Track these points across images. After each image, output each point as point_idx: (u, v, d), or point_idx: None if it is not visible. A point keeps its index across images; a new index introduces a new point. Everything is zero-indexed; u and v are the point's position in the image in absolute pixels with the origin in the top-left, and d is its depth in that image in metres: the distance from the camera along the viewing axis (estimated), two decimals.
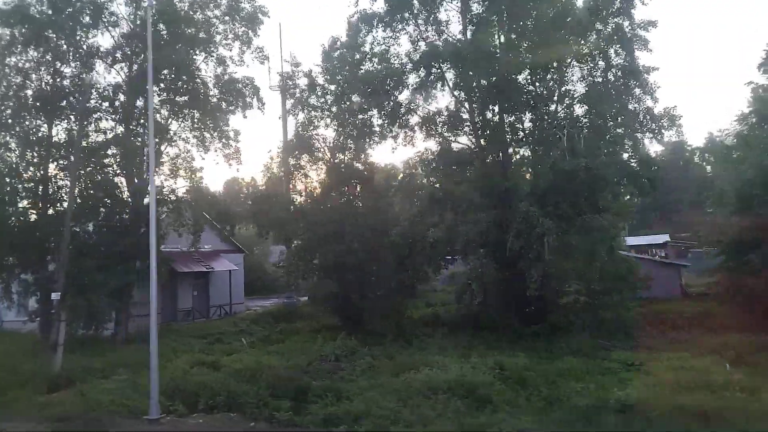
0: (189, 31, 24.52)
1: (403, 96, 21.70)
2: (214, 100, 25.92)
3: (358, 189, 22.68)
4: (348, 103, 25.08)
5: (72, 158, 21.70)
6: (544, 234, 15.31)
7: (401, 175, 23.41)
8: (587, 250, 16.38)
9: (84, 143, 24.46)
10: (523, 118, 19.41)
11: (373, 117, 21.96)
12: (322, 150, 25.29)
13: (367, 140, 22.78)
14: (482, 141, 20.16)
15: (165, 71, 24.18)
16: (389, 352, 16.82)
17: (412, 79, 21.06)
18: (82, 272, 20.74)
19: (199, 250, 29.29)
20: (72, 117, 24.45)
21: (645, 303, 21.45)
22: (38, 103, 23.73)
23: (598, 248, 16.37)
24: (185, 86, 25.32)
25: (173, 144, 25.28)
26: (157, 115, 25.55)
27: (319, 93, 26.03)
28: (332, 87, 25.60)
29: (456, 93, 19.63)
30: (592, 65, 19.27)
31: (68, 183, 24.52)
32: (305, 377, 12.72)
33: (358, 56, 24.57)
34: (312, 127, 26.25)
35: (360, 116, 22.26)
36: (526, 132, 19.47)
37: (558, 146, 17.14)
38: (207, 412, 11.48)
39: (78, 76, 24.62)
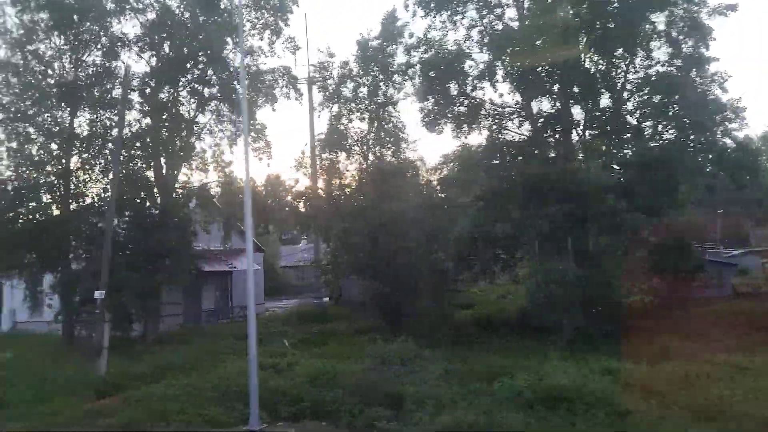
0: (219, 19, 23.40)
1: (455, 85, 20.43)
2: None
3: (404, 183, 21.58)
4: (386, 95, 24.15)
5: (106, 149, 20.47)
6: (632, 229, 14.35)
7: (444, 168, 22.24)
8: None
9: (110, 135, 23.45)
10: (589, 106, 18.29)
11: (427, 106, 20.77)
12: (359, 143, 24.26)
13: (424, 131, 21.50)
14: (546, 131, 19.05)
15: (197, 59, 23.03)
16: (457, 356, 15.80)
17: (467, 66, 19.96)
18: (114, 270, 19.55)
19: (220, 248, 28.21)
20: (97, 107, 23.27)
21: (703, 302, 20.59)
22: (60, 93, 22.52)
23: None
24: (214, 77, 24.23)
25: (201, 138, 24.10)
26: (182, 107, 24.64)
27: (351, 85, 25.04)
28: (368, 78, 24.60)
29: (514, 80, 18.58)
30: (660, 49, 18.16)
31: (91, 176, 23.58)
32: (397, 383, 11.62)
33: (394, 46, 23.67)
34: (347, 120, 25.22)
35: (420, 104, 21.07)
36: (593, 120, 18.38)
37: (633, 135, 16.17)
38: (293, 421, 10.46)
39: (103, 64, 23.48)
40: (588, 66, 17.88)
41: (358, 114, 24.88)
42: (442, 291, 19.91)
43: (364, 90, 25.28)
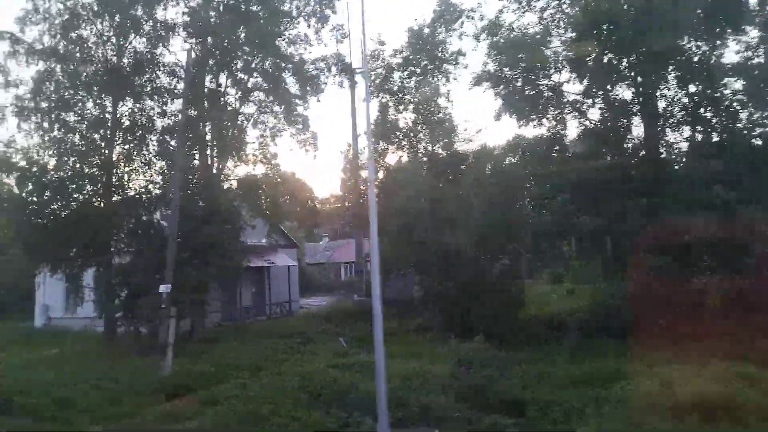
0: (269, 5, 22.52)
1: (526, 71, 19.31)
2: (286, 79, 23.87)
3: (468, 174, 20.59)
4: (436, 84, 23.23)
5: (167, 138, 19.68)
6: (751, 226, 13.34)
7: (509, 157, 21.19)
8: None
9: (154, 125, 22.70)
10: (677, 94, 17.18)
11: (501, 92, 19.73)
12: (411, 134, 23.34)
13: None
14: (627, 119, 17.93)
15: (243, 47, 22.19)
16: (535, 357, 14.90)
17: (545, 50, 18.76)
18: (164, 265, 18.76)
19: (257, 243, 27.38)
20: (141, 96, 22.49)
21: None
22: (103, 81, 21.75)
23: None
24: (259, 66, 23.39)
25: (246, 129, 23.24)
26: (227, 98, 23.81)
27: (402, 74, 24.14)
28: (419, 67, 23.69)
29: (595, 66, 17.45)
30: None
31: (134, 167, 22.81)
32: (497, 386, 10.74)
33: (449, 33, 22.77)
34: (396, 111, 24.33)
35: (489, 91, 20.05)
36: (683, 107, 17.21)
37: (729, 122, 15.11)
38: (402, 427, 9.58)
39: (147, 52, 22.69)
40: (685, 48, 16.50)
41: (411, 104, 23.93)
42: (509, 289, 18.94)
43: (412, 80, 24.37)
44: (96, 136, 22.35)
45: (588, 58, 16.96)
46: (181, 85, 22.77)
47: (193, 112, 22.57)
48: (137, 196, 22.06)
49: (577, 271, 26.19)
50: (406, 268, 21.24)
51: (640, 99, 17.30)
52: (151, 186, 22.31)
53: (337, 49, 26.44)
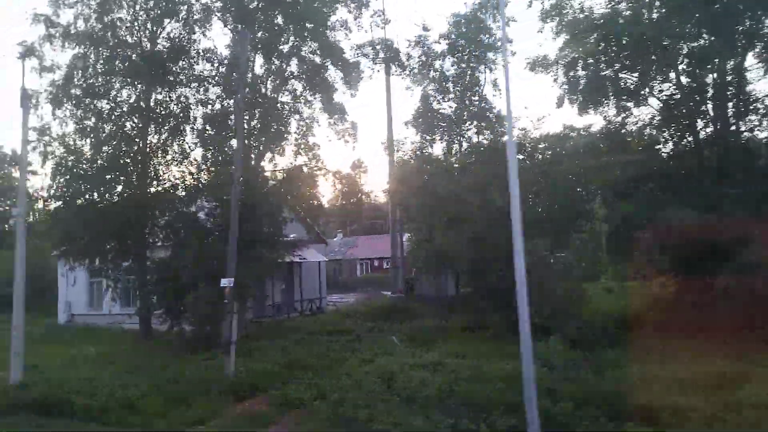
0: None
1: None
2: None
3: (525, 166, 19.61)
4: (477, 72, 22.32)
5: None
6: None
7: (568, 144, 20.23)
8: None
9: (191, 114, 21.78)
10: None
11: (575, 77, 18.75)
12: (456, 124, 22.41)
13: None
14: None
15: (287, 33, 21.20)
16: (616, 357, 13.99)
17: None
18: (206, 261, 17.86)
19: (285, 239, 26.45)
20: (175, 84, 21.55)
21: None
22: (136, 68, 20.83)
23: None
24: (298, 52, 22.42)
25: (288, 119, 22.25)
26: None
27: (446, 62, 23.22)
28: (463, 54, 22.77)
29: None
30: None
31: (168, 158, 21.90)
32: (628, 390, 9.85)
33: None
34: (437, 100, 23.41)
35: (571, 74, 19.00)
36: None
37: None
38: None
39: (182, 37, 21.76)
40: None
41: (453, 93, 23.00)
42: (573, 285, 18.01)
43: (453, 68, 23.45)
44: (129, 124, 21.50)
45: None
46: (216, 72, 22.10)
47: (227, 101, 21.68)
48: (173, 188, 21.15)
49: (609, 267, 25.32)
50: (460, 263, 20.21)
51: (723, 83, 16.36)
52: (188, 177, 21.39)
53: (372, 36, 25.48)
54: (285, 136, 21.02)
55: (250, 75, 22.25)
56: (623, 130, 18.17)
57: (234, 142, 21.09)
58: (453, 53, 22.54)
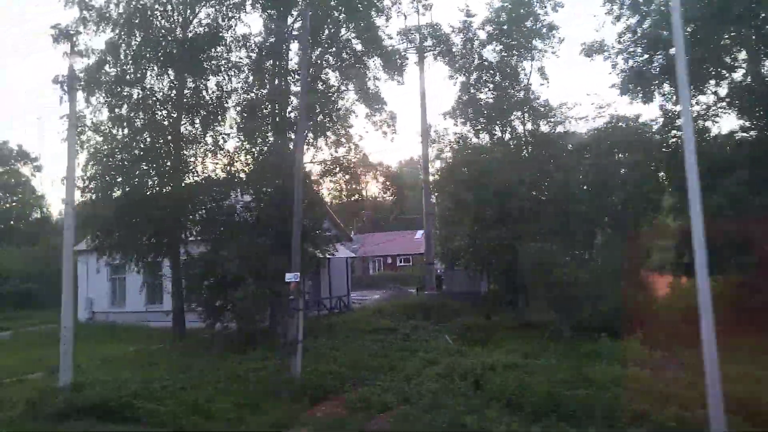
0: None
1: None
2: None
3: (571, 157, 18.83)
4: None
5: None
6: None
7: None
8: None
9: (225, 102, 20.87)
10: None
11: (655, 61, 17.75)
12: (502, 114, 21.50)
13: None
14: None
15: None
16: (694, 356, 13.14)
17: None
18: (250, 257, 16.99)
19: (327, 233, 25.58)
20: (207, 72, 20.62)
21: None
22: (168, 55, 19.91)
23: None
24: (337, 38, 21.47)
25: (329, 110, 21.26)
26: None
27: (492, 48, 22.34)
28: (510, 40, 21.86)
29: None
30: None
31: (200, 150, 20.99)
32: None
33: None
34: (477, 89, 22.55)
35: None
36: None
37: None
38: None
39: (215, 24, 20.82)
40: None
41: (498, 80, 22.10)
42: (638, 280, 17.24)
43: (496, 56, 22.58)
44: (162, 114, 20.61)
45: None
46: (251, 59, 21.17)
47: (259, 91, 20.72)
48: (208, 180, 20.24)
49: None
50: (506, 258, 19.35)
51: None
52: (222, 169, 20.51)
53: (406, 24, 24.56)
54: (327, 125, 20.06)
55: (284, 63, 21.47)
56: (698, 121, 17.24)
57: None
58: (497, 40, 21.59)
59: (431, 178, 24.40)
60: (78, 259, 29.00)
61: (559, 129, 20.93)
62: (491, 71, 22.17)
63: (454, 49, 22.02)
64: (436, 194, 24.81)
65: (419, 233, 62.43)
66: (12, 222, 55.93)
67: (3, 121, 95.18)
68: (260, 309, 16.80)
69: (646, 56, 17.89)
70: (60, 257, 36.74)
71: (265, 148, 19.76)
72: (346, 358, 14.20)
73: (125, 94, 19.92)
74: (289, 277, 12.16)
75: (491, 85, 22.63)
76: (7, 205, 56.29)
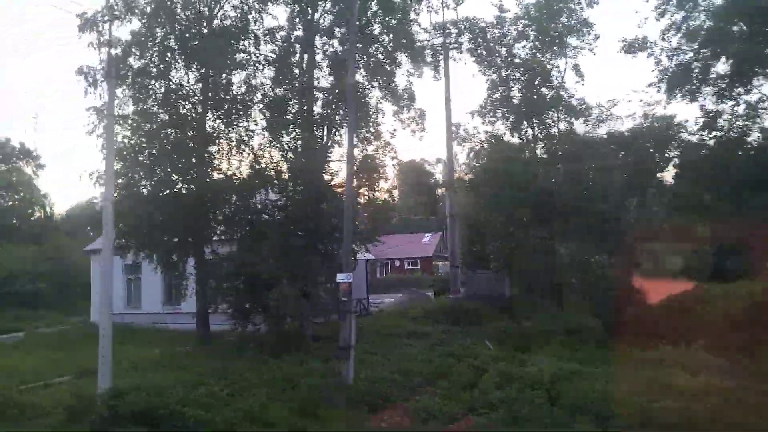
0: None
1: None
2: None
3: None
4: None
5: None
6: None
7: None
8: None
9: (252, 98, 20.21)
10: None
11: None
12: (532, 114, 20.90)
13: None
14: None
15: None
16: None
17: None
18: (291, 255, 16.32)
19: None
20: (231, 67, 19.91)
21: None
22: (191, 49, 19.24)
23: None
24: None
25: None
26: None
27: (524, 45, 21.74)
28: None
29: None
30: None
31: (226, 146, 20.29)
32: None
33: None
34: (506, 87, 21.94)
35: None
36: None
37: None
38: None
39: (237, 17, 20.18)
40: None
41: (530, 77, 21.50)
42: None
43: (528, 52, 21.98)
44: (186, 108, 19.93)
45: None
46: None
47: (286, 86, 20.03)
48: (233, 177, 19.57)
49: None
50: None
51: None
52: (246, 166, 19.86)
53: (431, 20, 23.86)
54: (360, 123, 19.39)
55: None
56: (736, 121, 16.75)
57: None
58: (530, 37, 21.01)
59: (462, 177, 23.74)
60: (91, 258, 28.28)
61: (597, 128, 20.35)
62: (523, 68, 21.53)
63: (488, 45, 21.34)
64: (463, 194, 24.10)
65: (427, 236, 61.86)
66: (14, 221, 54.99)
67: (4, 120, 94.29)
68: (296, 311, 16.10)
69: (692, 54, 17.33)
70: (65, 257, 35.90)
71: (293, 145, 19.10)
72: (391, 363, 13.55)
73: (149, 87, 19.26)
74: (341, 277, 11.51)
75: (523, 83, 21.97)
76: (10, 203, 55.32)
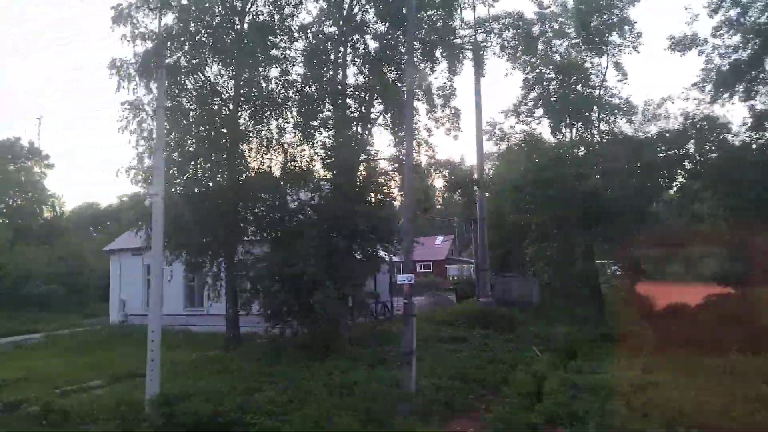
0: None
1: None
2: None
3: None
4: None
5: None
6: None
7: None
8: None
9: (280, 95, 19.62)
10: None
11: None
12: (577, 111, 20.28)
13: None
14: None
15: None
16: None
17: None
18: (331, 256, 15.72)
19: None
20: (263, 63, 19.34)
21: None
22: (225, 44, 18.73)
23: None
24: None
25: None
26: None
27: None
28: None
29: None
30: None
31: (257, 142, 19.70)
32: None
33: None
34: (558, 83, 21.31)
35: None
36: None
37: None
38: None
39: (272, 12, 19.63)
40: None
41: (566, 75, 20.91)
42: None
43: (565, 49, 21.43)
44: (218, 105, 19.40)
45: None
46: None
47: (320, 83, 19.43)
48: (268, 174, 19.02)
49: None
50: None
51: None
52: (279, 164, 19.33)
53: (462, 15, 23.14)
54: (396, 121, 18.85)
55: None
56: None
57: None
58: (574, 34, 20.44)
59: (496, 178, 23.16)
60: (111, 258, 27.73)
61: (644, 126, 19.74)
62: (562, 67, 20.96)
63: (528, 42, 20.76)
64: (493, 195, 23.46)
65: (439, 239, 61.35)
66: (21, 221, 54.33)
67: (13, 119, 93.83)
68: (342, 313, 15.51)
69: (749, 50, 16.77)
70: (76, 258, 35.13)
71: (328, 142, 18.54)
72: (444, 369, 12.95)
73: (183, 83, 18.73)
74: (401, 278, 10.94)
75: (561, 81, 21.35)
76: (19, 202, 54.71)
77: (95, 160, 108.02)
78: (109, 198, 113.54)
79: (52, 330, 25.74)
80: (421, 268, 57.04)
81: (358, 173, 18.01)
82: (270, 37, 19.16)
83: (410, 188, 11.57)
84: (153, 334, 10.82)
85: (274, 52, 19.58)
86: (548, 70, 21.08)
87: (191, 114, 18.89)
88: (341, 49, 19.33)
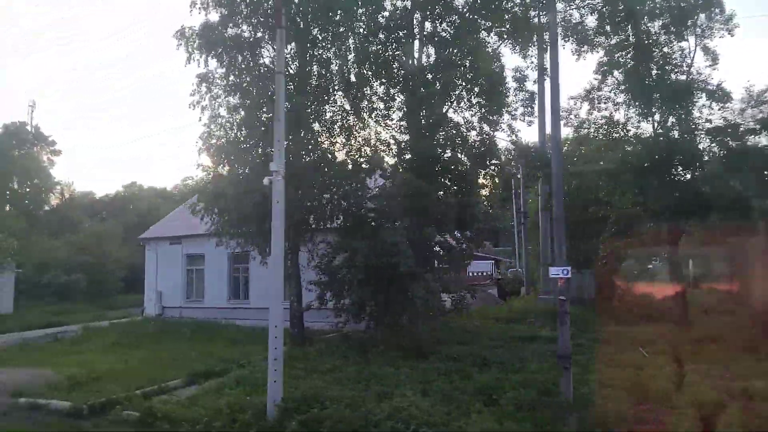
0: None
1: None
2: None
3: None
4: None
5: None
6: None
7: None
8: None
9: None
10: None
11: None
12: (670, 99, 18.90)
13: None
14: None
15: None
16: None
17: None
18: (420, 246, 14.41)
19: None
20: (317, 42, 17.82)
21: None
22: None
23: None
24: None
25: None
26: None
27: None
28: None
29: None
30: None
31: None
32: None
33: None
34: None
35: None
36: None
37: None
38: None
39: None
40: None
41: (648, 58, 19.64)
42: None
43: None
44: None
45: None
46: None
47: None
48: (342, 161, 17.63)
49: None
50: None
51: None
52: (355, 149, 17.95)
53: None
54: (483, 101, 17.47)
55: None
56: None
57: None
58: (666, 14, 19.09)
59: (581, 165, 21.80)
60: (146, 248, 26.24)
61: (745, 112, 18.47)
62: (644, 48, 19.66)
63: (617, 22, 19.44)
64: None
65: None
66: (32, 208, 52.45)
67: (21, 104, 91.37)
68: (441, 309, 14.23)
69: None
70: (96, 248, 33.39)
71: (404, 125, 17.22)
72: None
73: (241, 59, 17.23)
74: (554, 272, 9.66)
75: (650, 66, 19.94)
76: (27, 190, 52.78)
77: (92, 147, 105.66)
78: (105, 188, 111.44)
79: (81, 322, 24.23)
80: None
81: (443, 158, 16.65)
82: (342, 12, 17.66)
83: (559, 166, 10.26)
84: (276, 332, 9.44)
85: (341, 28, 18.11)
86: (631, 53, 19.77)
87: (252, 91, 17.35)
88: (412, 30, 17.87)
